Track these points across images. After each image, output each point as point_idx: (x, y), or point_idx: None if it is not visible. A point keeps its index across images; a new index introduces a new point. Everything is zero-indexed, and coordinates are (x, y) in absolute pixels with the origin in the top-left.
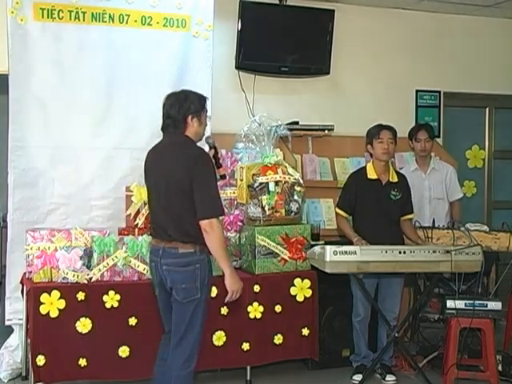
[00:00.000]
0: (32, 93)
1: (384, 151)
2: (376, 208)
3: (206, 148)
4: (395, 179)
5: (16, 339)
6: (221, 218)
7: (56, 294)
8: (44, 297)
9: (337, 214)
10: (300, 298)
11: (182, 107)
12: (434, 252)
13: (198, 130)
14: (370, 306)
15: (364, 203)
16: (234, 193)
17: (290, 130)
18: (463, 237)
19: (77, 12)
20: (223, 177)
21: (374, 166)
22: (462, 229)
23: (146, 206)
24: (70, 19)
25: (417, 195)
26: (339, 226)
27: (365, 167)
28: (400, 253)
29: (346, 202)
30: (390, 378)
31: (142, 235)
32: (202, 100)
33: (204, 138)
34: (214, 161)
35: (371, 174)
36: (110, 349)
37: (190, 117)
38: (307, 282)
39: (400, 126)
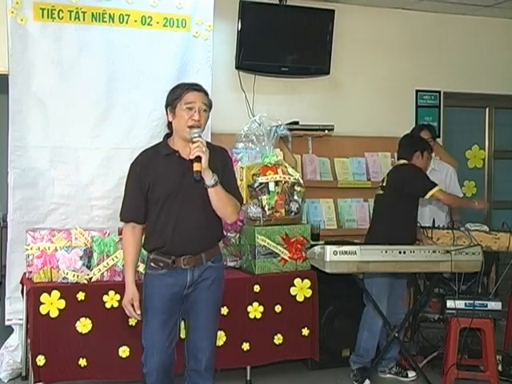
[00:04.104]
0: (32, 93)
1: None
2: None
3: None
4: None
5: (16, 339)
6: (133, 223)
7: (56, 294)
8: (44, 297)
9: (436, 193)
10: (300, 298)
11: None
12: (434, 252)
13: (175, 123)
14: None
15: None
16: None
17: (290, 130)
18: (463, 237)
19: (77, 12)
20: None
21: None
22: (462, 229)
23: None
24: (70, 19)
25: None
26: (454, 202)
27: None
28: (400, 253)
29: None
30: (411, 374)
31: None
32: (175, 90)
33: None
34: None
35: None
36: (110, 349)
37: (167, 110)
38: (307, 282)
39: (400, 126)
